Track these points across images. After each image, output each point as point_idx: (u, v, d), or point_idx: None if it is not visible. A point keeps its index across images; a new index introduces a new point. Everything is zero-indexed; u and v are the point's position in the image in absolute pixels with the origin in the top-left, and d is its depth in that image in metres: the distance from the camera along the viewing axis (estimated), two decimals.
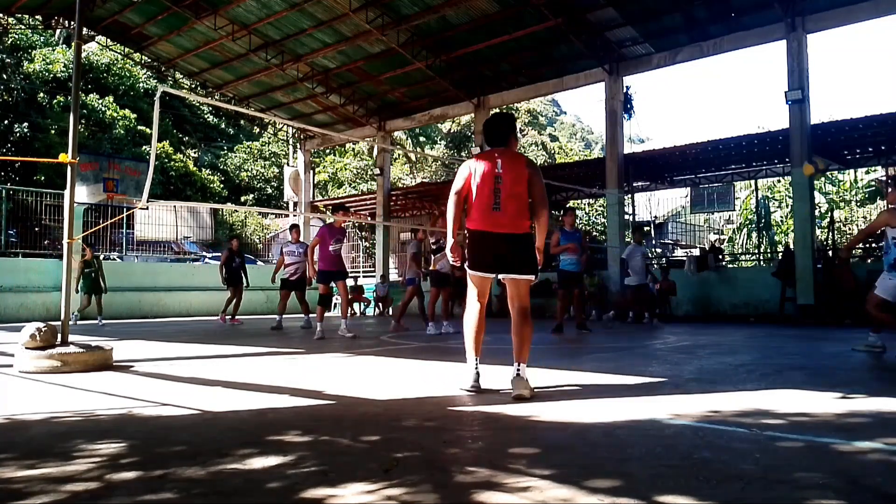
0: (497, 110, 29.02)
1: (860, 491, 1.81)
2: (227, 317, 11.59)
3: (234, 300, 11.42)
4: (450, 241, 3.67)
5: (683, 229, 25.91)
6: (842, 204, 21.96)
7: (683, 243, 25.06)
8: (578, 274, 8.84)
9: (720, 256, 15.77)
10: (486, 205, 3.53)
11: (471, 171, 3.60)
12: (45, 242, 15.67)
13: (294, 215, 21.29)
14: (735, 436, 2.49)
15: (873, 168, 19.11)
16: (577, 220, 26.99)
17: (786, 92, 11.52)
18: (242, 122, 26.39)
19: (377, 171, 19.85)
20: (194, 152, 32.15)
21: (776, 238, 22.48)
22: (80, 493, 1.82)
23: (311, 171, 22.67)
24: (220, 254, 14.45)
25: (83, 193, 14.56)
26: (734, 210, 21.20)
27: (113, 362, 5.06)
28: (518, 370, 3.40)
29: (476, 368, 3.57)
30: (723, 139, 14.09)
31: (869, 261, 13.38)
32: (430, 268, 8.99)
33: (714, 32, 12.77)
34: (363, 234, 27.03)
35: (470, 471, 2.00)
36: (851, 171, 19.87)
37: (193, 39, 16.45)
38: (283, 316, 10.27)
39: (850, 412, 2.97)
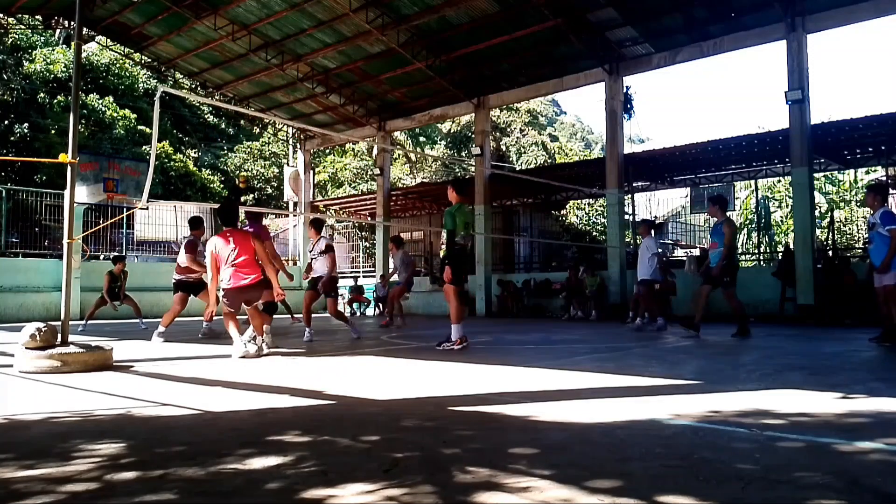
0: (497, 111, 29.05)
1: (860, 491, 1.81)
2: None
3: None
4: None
5: (683, 229, 25.87)
6: (842, 204, 21.94)
7: (683, 243, 25.02)
8: (710, 270, 7.80)
9: None
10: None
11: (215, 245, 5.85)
12: (46, 242, 15.67)
13: (294, 215, 21.30)
14: (735, 436, 2.49)
15: (873, 168, 19.09)
16: (578, 220, 26.94)
17: (786, 92, 11.51)
18: (242, 122, 26.36)
19: (377, 171, 19.84)
20: (194, 152, 32.09)
21: (776, 238, 22.46)
22: (80, 494, 1.82)
23: (311, 171, 22.66)
24: None
25: (83, 193, 14.55)
26: (734, 210, 21.18)
27: (113, 362, 5.07)
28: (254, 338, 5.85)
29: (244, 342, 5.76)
30: (723, 139, 14.07)
31: (868, 261, 13.34)
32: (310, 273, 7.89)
33: (714, 32, 12.76)
34: (363, 234, 27.02)
35: (470, 471, 2.00)
36: (851, 171, 19.85)
37: (193, 39, 16.45)
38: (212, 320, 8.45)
39: (850, 412, 2.97)
